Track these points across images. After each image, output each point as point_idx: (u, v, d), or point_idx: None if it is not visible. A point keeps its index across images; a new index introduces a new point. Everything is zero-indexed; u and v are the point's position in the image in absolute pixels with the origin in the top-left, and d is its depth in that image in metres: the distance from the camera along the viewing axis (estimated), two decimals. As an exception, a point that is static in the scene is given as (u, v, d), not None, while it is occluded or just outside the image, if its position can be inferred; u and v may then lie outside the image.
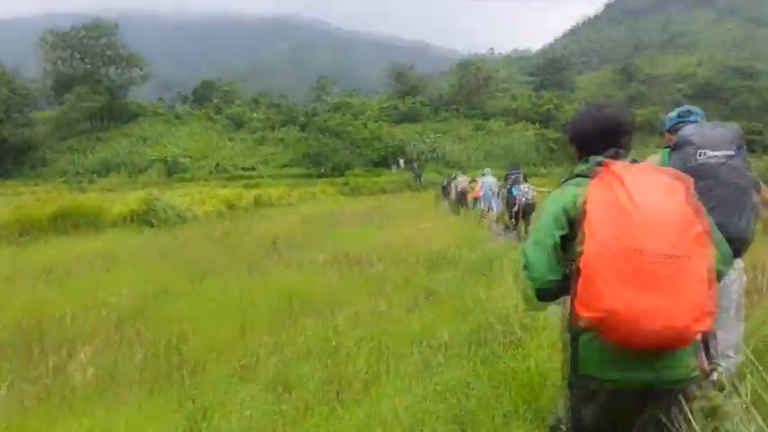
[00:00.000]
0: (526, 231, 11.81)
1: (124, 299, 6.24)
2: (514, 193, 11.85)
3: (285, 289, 6.24)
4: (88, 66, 58.82)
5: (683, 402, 1.88)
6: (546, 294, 1.92)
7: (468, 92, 65.10)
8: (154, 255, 10.05)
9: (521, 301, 4.32)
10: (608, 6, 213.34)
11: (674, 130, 3.25)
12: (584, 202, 1.82)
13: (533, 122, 58.71)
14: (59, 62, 59.06)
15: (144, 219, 16.32)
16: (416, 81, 75.87)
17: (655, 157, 3.21)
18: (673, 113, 3.40)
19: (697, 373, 1.89)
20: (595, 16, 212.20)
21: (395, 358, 3.87)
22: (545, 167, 46.41)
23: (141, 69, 61.72)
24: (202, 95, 75.31)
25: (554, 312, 2.97)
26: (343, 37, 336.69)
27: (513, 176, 12.31)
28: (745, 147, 3.01)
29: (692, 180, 1.86)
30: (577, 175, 2.04)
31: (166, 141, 49.07)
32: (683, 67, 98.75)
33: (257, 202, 22.28)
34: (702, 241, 1.73)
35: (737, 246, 2.79)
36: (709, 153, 2.89)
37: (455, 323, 4.52)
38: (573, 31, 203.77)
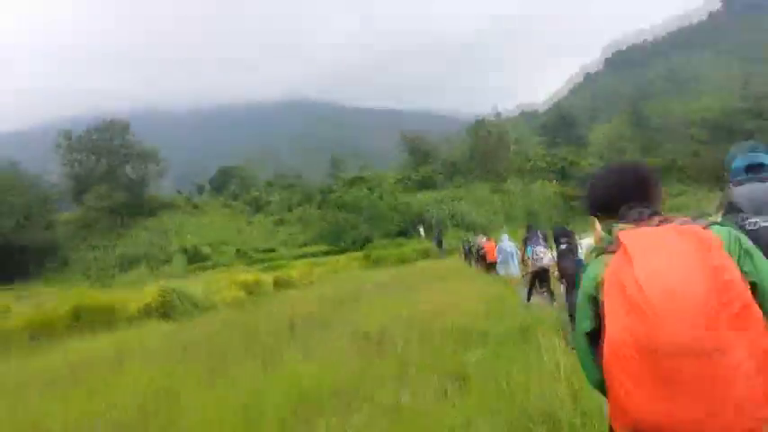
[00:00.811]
0: (547, 292, 11.45)
1: (127, 406, 5.70)
2: (528, 255, 11.32)
3: (298, 384, 5.65)
4: (105, 165, 60.30)
5: None
6: (603, 391, 1.60)
7: (483, 154, 65.29)
8: (166, 351, 9.53)
9: (566, 385, 3.73)
10: (608, 60, 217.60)
11: (738, 182, 2.75)
12: (603, 288, 1.55)
13: (550, 180, 58.40)
14: (76, 164, 60.63)
15: (161, 312, 15.96)
16: (429, 147, 76.48)
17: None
18: (740, 162, 2.80)
19: None
20: (596, 72, 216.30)
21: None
22: (568, 224, 45.57)
23: (157, 164, 63.07)
24: (220, 184, 76.76)
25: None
26: (349, 112, 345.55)
27: (533, 238, 11.63)
28: None
29: (720, 242, 1.49)
30: (601, 252, 1.70)
31: (186, 231, 49.42)
32: (691, 112, 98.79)
33: (277, 284, 21.82)
34: (747, 322, 1.33)
35: None
36: (762, 223, 2.43)
37: (492, 414, 3.89)
38: (576, 88, 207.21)
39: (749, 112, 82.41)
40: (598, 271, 1.62)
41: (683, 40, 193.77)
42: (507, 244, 15.77)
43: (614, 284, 1.49)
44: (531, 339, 6.24)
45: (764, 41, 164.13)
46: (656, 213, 1.70)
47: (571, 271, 7.06)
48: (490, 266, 17.78)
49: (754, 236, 2.29)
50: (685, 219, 1.66)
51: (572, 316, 7.23)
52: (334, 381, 5.68)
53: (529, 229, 12.52)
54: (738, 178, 2.76)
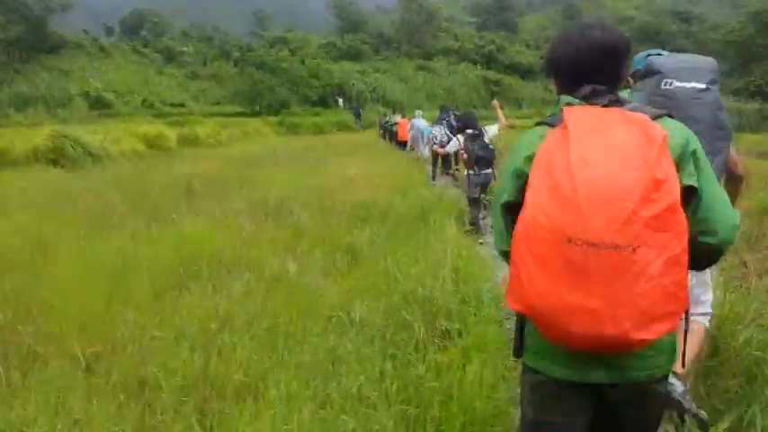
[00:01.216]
0: (451, 174, 12.05)
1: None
2: (427, 135, 11.65)
3: (182, 246, 5.29)
4: (3, -9, 53.48)
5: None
6: (507, 259, 1.56)
7: (411, 30, 63.27)
8: (48, 199, 8.83)
9: (451, 277, 3.58)
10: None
11: (640, 74, 2.66)
12: (533, 161, 1.45)
13: (476, 63, 57.82)
14: (-28, -13, 53.36)
15: (50, 158, 14.83)
16: (358, 17, 73.40)
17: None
18: (641, 54, 2.80)
19: (666, 371, 1.53)
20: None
21: (292, 345, 3.03)
22: (487, 109, 45.89)
23: (62, -3, 56.62)
24: (130, 27, 70.78)
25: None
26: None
27: (443, 120, 11.86)
28: (718, 85, 2.45)
29: (664, 134, 1.38)
30: (543, 122, 1.58)
31: (90, 75, 45.52)
32: (622, 9, 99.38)
33: (182, 141, 20.76)
34: (666, 223, 1.30)
35: None
36: (677, 84, 2.38)
37: (374, 294, 3.71)
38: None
39: (676, 15, 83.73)
40: (532, 143, 1.51)
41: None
42: (419, 122, 15.79)
43: (544, 162, 1.40)
44: (429, 220, 6.11)
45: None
46: (610, 92, 1.55)
47: (478, 153, 6.98)
48: (403, 144, 17.67)
49: (671, 95, 2.35)
50: (638, 105, 1.55)
51: (472, 199, 7.24)
52: (220, 246, 5.35)
53: (441, 109, 12.51)
54: (639, 66, 2.72)
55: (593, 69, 1.55)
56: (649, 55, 2.75)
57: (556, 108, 1.58)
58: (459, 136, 7.59)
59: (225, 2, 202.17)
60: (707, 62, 2.49)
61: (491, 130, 7.27)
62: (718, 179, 2.34)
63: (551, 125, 1.50)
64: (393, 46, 63.22)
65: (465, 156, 7.29)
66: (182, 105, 42.07)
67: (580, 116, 1.44)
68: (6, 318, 3.41)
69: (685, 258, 1.33)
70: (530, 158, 1.47)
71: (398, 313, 3.23)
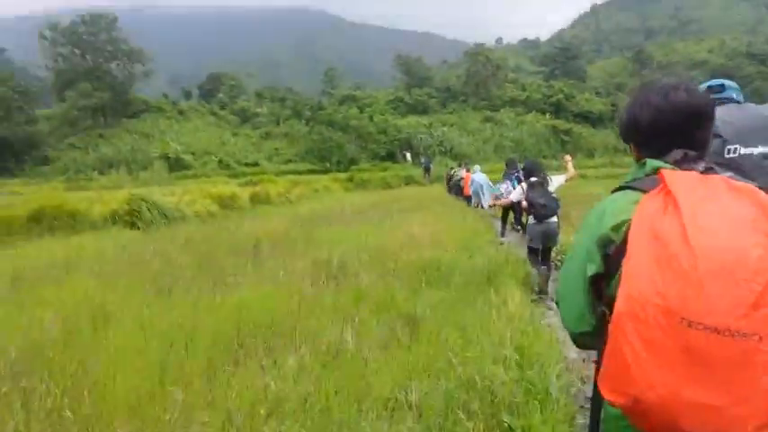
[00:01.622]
0: (521, 227, 12.04)
1: (49, 328, 5.23)
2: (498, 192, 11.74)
3: (242, 314, 5.21)
4: (90, 62, 57.89)
5: None
6: (582, 344, 1.54)
7: (477, 82, 63.75)
8: (121, 262, 9.07)
9: (514, 358, 3.29)
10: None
11: None
12: (628, 229, 1.30)
13: (544, 113, 57.33)
14: (60, 59, 58.09)
15: (126, 220, 15.43)
16: (424, 72, 74.82)
17: None
18: (701, 87, 2.49)
19: None
20: (603, 3, 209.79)
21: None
22: (557, 160, 45.15)
23: (143, 65, 60.66)
24: (208, 90, 74.69)
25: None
26: (350, 28, 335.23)
27: (511, 174, 11.80)
28: None
29: None
30: (628, 187, 1.45)
31: (169, 138, 48.09)
32: (694, 53, 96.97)
33: (254, 200, 21.26)
34: None
35: None
36: (742, 151, 2.13)
37: (434, 373, 3.45)
38: (581, 20, 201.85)
39: (753, 58, 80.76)
40: (623, 209, 1.38)
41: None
42: (478, 176, 16.25)
43: (647, 232, 1.24)
44: (494, 282, 5.81)
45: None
46: (701, 158, 1.47)
47: (541, 201, 6.76)
48: (469, 198, 17.66)
49: (734, 164, 2.06)
50: (730, 174, 1.45)
51: (531, 248, 7.04)
52: (279, 313, 5.24)
53: (508, 164, 12.35)
54: None
55: (679, 134, 1.48)
56: (710, 87, 2.57)
57: (640, 172, 1.49)
58: (522, 184, 7.37)
59: (296, 63, 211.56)
60: None
61: (557, 180, 7.02)
62: None
63: (643, 190, 1.37)
64: (460, 99, 63.72)
65: (525, 204, 7.07)
66: (255, 164, 43.58)
67: (686, 181, 1.32)
68: (55, 400, 3.35)
69: None
70: (620, 226, 1.36)
71: (457, 400, 2.96)
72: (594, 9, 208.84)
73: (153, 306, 6.04)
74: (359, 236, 11.06)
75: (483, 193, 15.96)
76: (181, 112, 58.99)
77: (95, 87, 54.07)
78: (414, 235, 10.35)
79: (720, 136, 2.14)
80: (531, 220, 7.02)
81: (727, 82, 2.58)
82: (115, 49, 59.28)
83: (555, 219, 6.89)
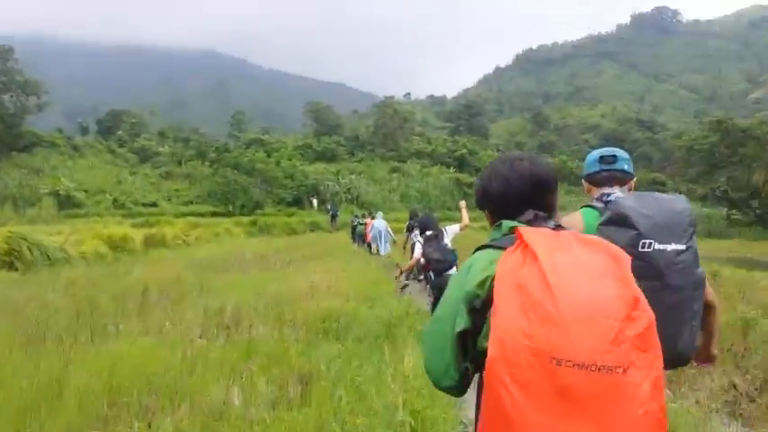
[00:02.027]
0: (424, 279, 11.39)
1: None
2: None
3: (118, 368, 4.72)
4: (-21, 93, 54.08)
5: None
6: (448, 393, 1.57)
7: (385, 133, 65.07)
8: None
9: (409, 422, 3.10)
10: (517, 57, 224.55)
11: (594, 179, 2.52)
12: (492, 284, 1.39)
13: (448, 166, 59.12)
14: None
15: (4, 260, 14.12)
16: (334, 120, 75.62)
17: (574, 218, 2.37)
18: (594, 155, 2.59)
19: None
20: (506, 66, 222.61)
21: None
22: (459, 211, 46.38)
23: (39, 97, 57.29)
24: (107, 127, 71.56)
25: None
26: (263, 75, 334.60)
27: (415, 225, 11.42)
28: (695, 233, 2.20)
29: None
30: (488, 246, 1.55)
31: (61, 174, 45.30)
32: (588, 117, 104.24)
33: (148, 242, 20.14)
34: (648, 343, 1.28)
35: (682, 362, 2.23)
36: (657, 246, 2.06)
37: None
38: (485, 80, 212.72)
39: (641, 124, 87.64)
40: (485, 267, 1.46)
41: (590, 50, 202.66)
42: (378, 222, 16.82)
43: (511, 283, 1.32)
44: (394, 336, 5.63)
45: (665, 60, 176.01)
46: (550, 218, 1.62)
47: (436, 256, 6.58)
48: (369, 245, 17.95)
49: (647, 258, 2.02)
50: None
51: (433, 304, 6.78)
52: (160, 368, 4.79)
53: (411, 215, 12.37)
54: (591, 170, 2.54)
55: (527, 201, 1.61)
56: (603, 163, 2.51)
57: (497, 233, 1.60)
58: (419, 238, 7.33)
59: (205, 106, 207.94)
60: (683, 210, 2.16)
61: (451, 230, 6.95)
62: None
63: (502, 248, 1.46)
64: (368, 148, 64.65)
65: (422, 260, 6.99)
66: (153, 205, 41.80)
67: (541, 236, 1.42)
68: None
69: (663, 381, 1.30)
70: (484, 282, 1.43)
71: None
72: (497, 72, 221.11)
73: (17, 358, 5.40)
74: (257, 283, 10.65)
75: (381, 239, 16.52)
76: (75, 148, 55.99)
77: (-18, 119, 50.41)
78: (315, 283, 10.06)
79: (636, 229, 2.07)
80: (430, 275, 6.88)
81: (619, 152, 2.54)
82: (9, 80, 55.77)
83: (454, 270, 6.83)
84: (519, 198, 1.62)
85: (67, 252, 15.60)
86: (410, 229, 12.03)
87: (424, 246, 6.76)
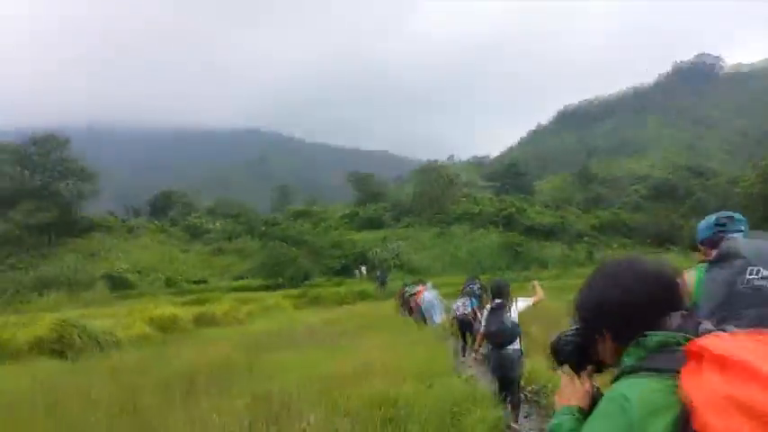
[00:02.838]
0: (467, 343, 11.78)
1: None
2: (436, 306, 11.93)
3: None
4: (38, 181, 56.56)
5: None
6: None
7: (431, 197, 64.83)
8: (27, 406, 7.84)
9: None
10: (559, 114, 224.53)
11: (710, 242, 2.55)
12: (693, 412, 1.05)
13: (496, 226, 58.22)
14: (7, 178, 56.40)
15: (54, 348, 14.05)
16: (377, 188, 76.03)
17: (690, 275, 2.29)
18: (709, 220, 2.67)
19: None
20: (548, 123, 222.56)
21: None
22: (512, 271, 45.23)
23: (92, 184, 59.58)
24: (159, 208, 73.74)
25: None
26: (303, 147, 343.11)
27: (468, 288, 11.77)
28: None
29: None
30: (630, 372, 1.23)
31: (115, 256, 46.46)
32: (636, 169, 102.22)
33: (199, 321, 20.02)
34: None
35: None
36: (765, 273, 1.97)
37: None
38: (527, 140, 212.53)
39: (692, 172, 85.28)
40: (659, 401, 1.12)
41: (632, 103, 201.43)
42: (429, 293, 16.15)
43: (735, 408, 1.01)
44: (462, 422, 5.00)
45: (710, 108, 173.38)
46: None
47: (492, 329, 6.26)
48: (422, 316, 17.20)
49: (761, 287, 1.93)
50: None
51: (499, 378, 6.52)
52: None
53: (467, 280, 12.41)
54: (708, 234, 2.60)
55: (664, 306, 1.33)
56: (719, 225, 2.56)
57: (638, 353, 1.27)
58: (487, 306, 6.81)
59: (247, 182, 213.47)
60: None
61: (523, 303, 6.51)
62: None
63: (671, 370, 1.14)
64: (413, 213, 64.45)
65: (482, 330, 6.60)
66: (204, 282, 42.10)
67: (726, 341, 1.15)
68: None
69: None
70: (679, 417, 1.07)
71: None
72: (539, 129, 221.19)
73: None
74: (307, 362, 10.13)
75: (435, 310, 15.77)
76: (129, 230, 57.58)
77: (39, 207, 52.43)
78: (367, 361, 9.47)
79: (743, 257, 2.02)
80: (488, 347, 6.57)
81: (737, 215, 2.58)
82: (65, 168, 58.27)
83: (515, 346, 6.33)
84: (653, 304, 1.32)
85: (116, 336, 15.49)
86: (467, 294, 11.84)
87: (488, 315, 6.41)
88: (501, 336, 6.22)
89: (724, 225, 2.57)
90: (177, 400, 7.69)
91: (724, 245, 2.19)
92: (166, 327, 17.62)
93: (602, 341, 1.41)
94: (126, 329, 16.21)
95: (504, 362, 6.36)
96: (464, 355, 11.81)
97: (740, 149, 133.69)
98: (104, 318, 19.46)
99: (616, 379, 1.27)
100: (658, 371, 1.17)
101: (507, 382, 6.53)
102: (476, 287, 11.78)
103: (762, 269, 1.99)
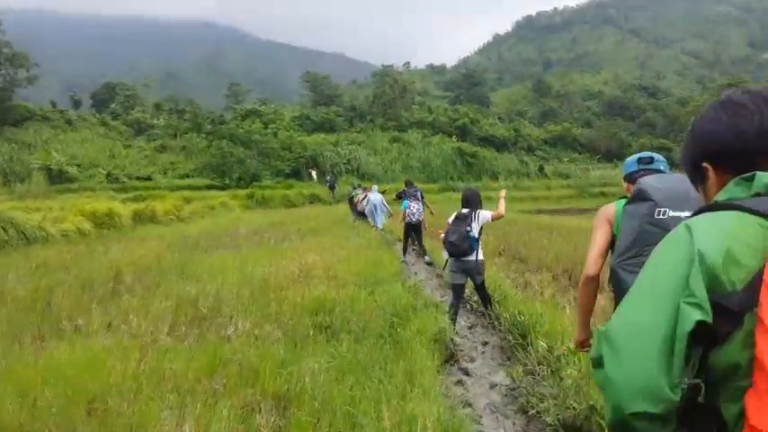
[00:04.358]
0: (416, 245, 12.42)
1: None
2: (402, 209, 11.80)
3: (52, 385, 3.71)
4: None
5: None
6: (644, 425, 0.93)
7: (385, 103, 63.44)
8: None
9: None
10: (517, 25, 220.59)
11: (631, 178, 2.77)
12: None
13: (450, 135, 57.74)
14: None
15: (-25, 239, 13.12)
16: (332, 90, 74.02)
17: (608, 207, 2.79)
18: (632, 158, 2.93)
19: None
20: (505, 34, 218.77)
21: None
22: (463, 181, 45.25)
23: (27, 70, 55.40)
24: (102, 100, 69.95)
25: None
26: (259, 45, 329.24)
27: (410, 192, 12.20)
28: None
29: None
30: (727, 206, 1.04)
31: (53, 148, 43.96)
32: (590, 84, 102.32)
33: (137, 218, 19.14)
34: None
35: None
36: (671, 213, 2.25)
37: None
38: (485, 49, 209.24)
39: (644, 90, 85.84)
40: (749, 236, 0.96)
41: (591, 15, 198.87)
42: (375, 196, 16.40)
43: None
44: (402, 338, 4.60)
45: (665, 26, 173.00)
46: None
47: (452, 239, 6.01)
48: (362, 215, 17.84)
49: (663, 225, 2.20)
50: None
51: (454, 285, 6.36)
52: (101, 386, 3.77)
53: (407, 184, 12.80)
54: (631, 170, 2.83)
55: None
56: (640, 164, 2.80)
57: (741, 190, 1.07)
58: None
59: (201, 77, 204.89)
60: None
61: (483, 216, 6.20)
62: None
63: (763, 214, 0.98)
64: (367, 119, 63.13)
65: (442, 236, 6.28)
66: (148, 179, 40.56)
67: None
68: None
69: None
70: (731, 257, 0.93)
71: None
72: (497, 40, 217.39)
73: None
74: (246, 264, 9.61)
75: (377, 213, 16.05)
76: (69, 122, 54.43)
77: (-32, 92, 48.82)
78: (309, 264, 9.03)
79: (652, 200, 2.30)
80: (445, 254, 6.34)
81: (656, 155, 2.82)
82: (-6, 51, 53.78)
83: (473, 257, 6.10)
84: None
85: (46, 230, 14.58)
86: (399, 197, 12.81)
87: (451, 223, 6.18)
88: (459, 247, 5.99)
89: (646, 162, 2.79)
90: (97, 298, 7.13)
91: (636, 186, 2.41)
92: (102, 222, 16.71)
93: (702, 175, 1.20)
94: (57, 223, 15.26)
95: (466, 270, 6.18)
96: (404, 255, 12.07)
97: (692, 70, 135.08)
98: (40, 211, 18.38)
99: (701, 211, 1.09)
100: (758, 212, 0.98)
101: (476, 287, 6.38)
102: (418, 192, 12.19)
103: (669, 210, 2.24)
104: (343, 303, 6.13)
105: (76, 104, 70.71)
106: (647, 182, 2.37)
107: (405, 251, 12.15)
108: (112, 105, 64.15)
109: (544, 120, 75.13)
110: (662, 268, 1.03)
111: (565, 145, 63.68)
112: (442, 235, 6.26)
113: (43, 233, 14.45)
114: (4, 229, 13.57)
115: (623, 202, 2.59)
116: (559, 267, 10.20)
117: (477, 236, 6.05)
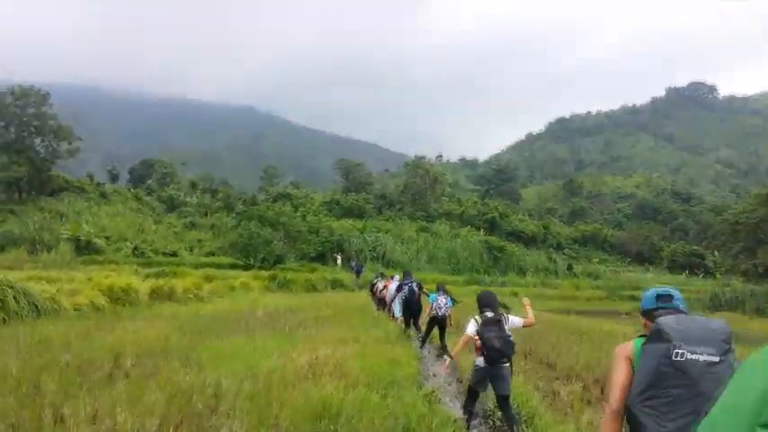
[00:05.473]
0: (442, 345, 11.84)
1: None
2: (431, 301, 11.52)
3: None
4: (12, 135, 54.35)
5: None
6: None
7: (415, 193, 63.94)
8: None
9: None
10: (550, 125, 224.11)
11: (649, 315, 2.81)
12: None
13: (478, 229, 57.45)
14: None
15: (-11, 309, 12.82)
16: (364, 177, 75.10)
17: (627, 346, 2.74)
18: (651, 294, 2.88)
19: None
20: (538, 134, 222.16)
21: None
22: (489, 275, 44.45)
23: (70, 143, 57.47)
24: (139, 175, 71.96)
25: None
26: (297, 132, 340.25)
27: (407, 286, 12.62)
28: (733, 350, 2.36)
29: None
30: None
31: (84, 219, 44.76)
32: (622, 187, 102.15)
33: (155, 295, 18.79)
34: None
35: None
36: (689, 356, 2.30)
37: None
38: (517, 146, 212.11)
39: (677, 196, 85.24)
40: None
41: (624, 121, 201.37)
42: (394, 285, 16.18)
43: None
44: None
45: (700, 135, 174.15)
46: None
47: (497, 345, 5.64)
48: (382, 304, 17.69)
49: (679, 366, 2.29)
50: None
51: (472, 392, 6.17)
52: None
53: (405, 275, 13.34)
54: (650, 306, 2.84)
55: None
56: (659, 300, 2.81)
57: None
58: (476, 317, 5.96)
59: (238, 160, 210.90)
60: (720, 327, 2.40)
61: (513, 322, 5.98)
62: None
63: None
64: (396, 207, 63.45)
65: (478, 343, 5.82)
66: (174, 255, 40.69)
67: None
68: None
69: None
70: None
71: None
72: (529, 138, 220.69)
73: None
74: (254, 353, 9.07)
75: (396, 305, 15.59)
76: (103, 195, 55.78)
77: (13, 161, 50.49)
78: (319, 358, 8.45)
79: (669, 340, 2.33)
80: (480, 361, 5.87)
81: (674, 292, 2.81)
82: (42, 125, 56.08)
83: (507, 363, 5.81)
84: None
85: (59, 303, 14.27)
86: (399, 289, 13.60)
87: (482, 327, 5.82)
88: (504, 353, 5.70)
89: (665, 300, 2.79)
90: (90, 383, 6.63)
91: (654, 325, 2.48)
92: (118, 298, 16.37)
93: None
94: (72, 296, 14.98)
95: (497, 377, 5.81)
96: (422, 349, 12.07)
97: (725, 180, 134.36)
98: (59, 282, 18.26)
99: None
100: None
101: (500, 400, 5.95)
102: (415, 284, 12.72)
103: (686, 352, 2.29)
104: (351, 407, 5.54)
105: (114, 178, 72.70)
106: (666, 322, 2.44)
107: (424, 343, 12.13)
108: (149, 181, 65.81)
109: (574, 219, 74.63)
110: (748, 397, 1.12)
111: (595, 245, 62.78)
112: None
113: (56, 306, 14.14)
114: (15, 299, 13.30)
115: (641, 340, 2.63)
116: (590, 377, 9.49)
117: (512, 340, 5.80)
